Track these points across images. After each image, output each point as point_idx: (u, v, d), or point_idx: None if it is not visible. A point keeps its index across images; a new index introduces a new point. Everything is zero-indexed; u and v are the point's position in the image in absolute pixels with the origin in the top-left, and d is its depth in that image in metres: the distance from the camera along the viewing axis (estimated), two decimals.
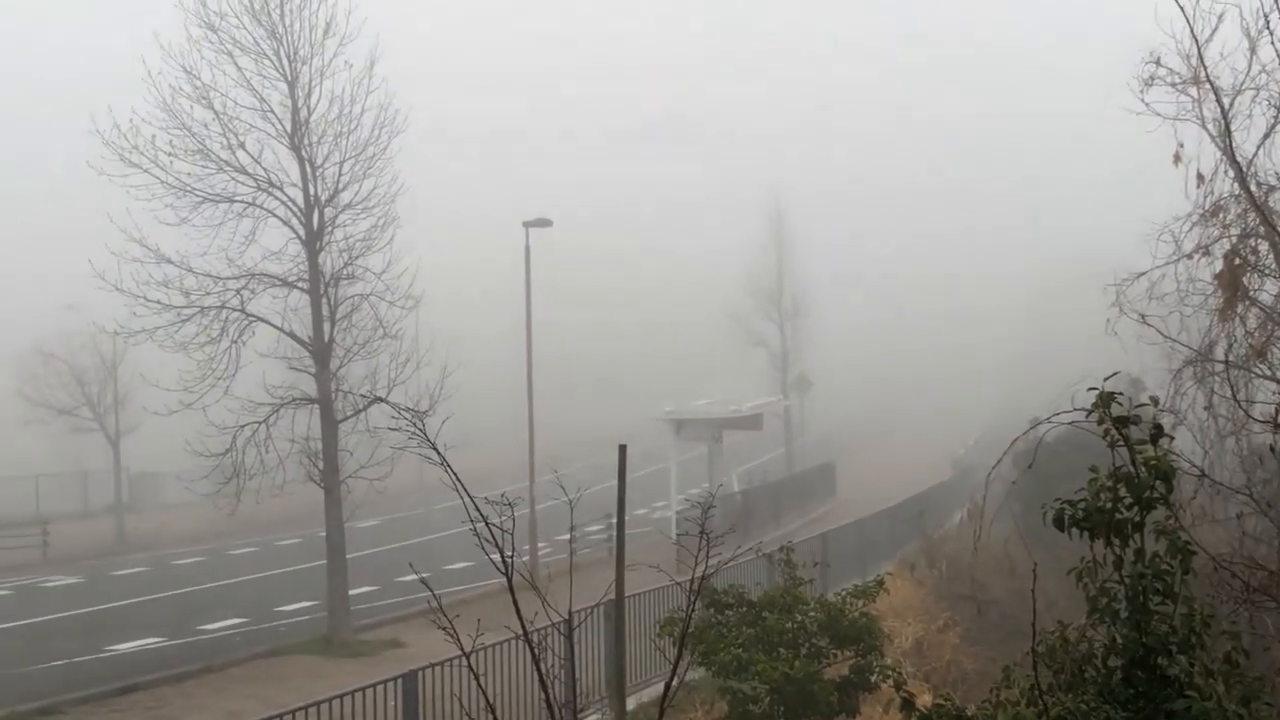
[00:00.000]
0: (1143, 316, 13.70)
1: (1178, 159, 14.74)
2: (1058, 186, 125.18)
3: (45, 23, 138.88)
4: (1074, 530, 6.25)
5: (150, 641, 23.46)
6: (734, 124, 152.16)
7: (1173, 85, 14.90)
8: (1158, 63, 14.73)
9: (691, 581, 7.52)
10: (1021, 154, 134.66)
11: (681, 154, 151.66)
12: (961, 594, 23.61)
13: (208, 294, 22.99)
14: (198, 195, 23.04)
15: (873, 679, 13.08)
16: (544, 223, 34.10)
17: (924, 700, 6.58)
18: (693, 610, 8.42)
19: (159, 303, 22.58)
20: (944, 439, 66.05)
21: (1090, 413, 6.26)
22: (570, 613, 7.50)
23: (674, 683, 7.02)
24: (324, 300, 23.74)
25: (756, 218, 60.11)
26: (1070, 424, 6.86)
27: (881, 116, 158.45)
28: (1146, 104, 14.80)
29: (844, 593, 13.87)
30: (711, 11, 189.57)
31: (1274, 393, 12.93)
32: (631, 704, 16.09)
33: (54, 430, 43.55)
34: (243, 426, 22.74)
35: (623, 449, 7.42)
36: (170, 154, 22.81)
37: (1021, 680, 6.20)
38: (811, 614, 13.52)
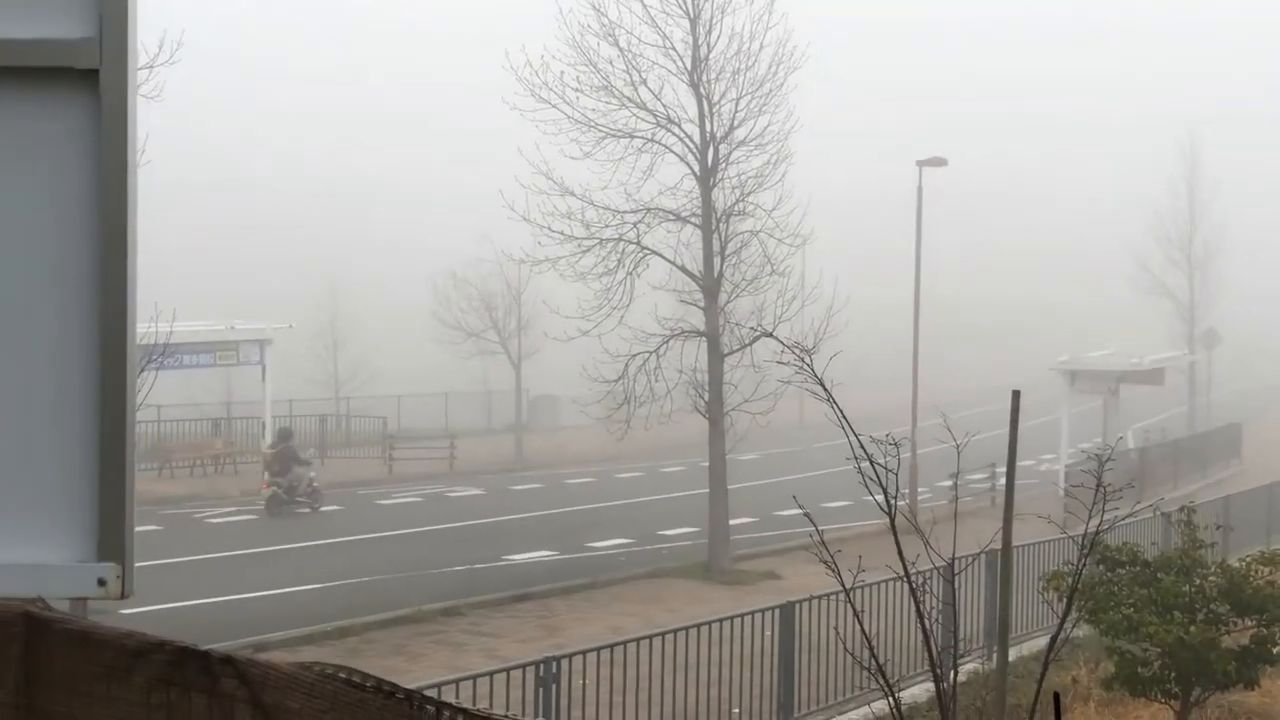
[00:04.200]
0: None
1: None
2: None
3: None
4: None
5: (542, 554, 24.79)
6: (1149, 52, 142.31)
7: None
8: None
9: (1084, 535, 7.24)
10: None
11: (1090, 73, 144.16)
12: None
13: (606, 226, 23.96)
14: (601, 130, 23.93)
15: (1275, 651, 12.40)
16: (938, 161, 33.51)
17: None
18: (1084, 565, 8.12)
19: (561, 233, 23.73)
20: None
21: None
22: (953, 557, 7.38)
23: (1060, 637, 6.80)
24: (715, 235, 24.16)
25: (1173, 156, 56.55)
26: None
27: None
28: None
29: (1249, 559, 13.09)
30: None
31: None
32: (1012, 656, 15.73)
33: (463, 351, 46.31)
34: (634, 355, 23.60)
35: (1016, 394, 7.20)
36: (577, 90, 23.83)
37: None
38: (1211, 578, 12.86)
